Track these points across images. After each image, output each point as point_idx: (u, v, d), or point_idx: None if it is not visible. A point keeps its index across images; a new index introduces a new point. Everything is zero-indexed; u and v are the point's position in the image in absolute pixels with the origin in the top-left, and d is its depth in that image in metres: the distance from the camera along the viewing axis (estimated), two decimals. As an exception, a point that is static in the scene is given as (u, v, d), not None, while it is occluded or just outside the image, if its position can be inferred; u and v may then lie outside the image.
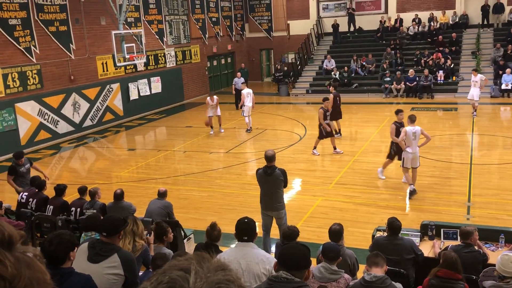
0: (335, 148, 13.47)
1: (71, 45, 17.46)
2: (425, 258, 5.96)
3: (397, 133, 10.13)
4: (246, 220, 4.40)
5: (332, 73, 23.82)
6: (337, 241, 5.53)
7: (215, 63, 27.18)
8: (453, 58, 22.72)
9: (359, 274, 5.32)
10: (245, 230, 4.31)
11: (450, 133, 15.29)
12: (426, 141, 10.09)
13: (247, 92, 16.49)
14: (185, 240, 7.34)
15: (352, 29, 26.82)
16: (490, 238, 6.36)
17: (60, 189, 8.21)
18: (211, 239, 5.35)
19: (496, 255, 5.05)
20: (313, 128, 16.73)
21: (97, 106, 18.67)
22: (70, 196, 8.76)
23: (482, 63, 22.17)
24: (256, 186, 7.76)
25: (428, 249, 6.27)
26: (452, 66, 22.21)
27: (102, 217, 6.21)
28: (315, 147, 13.55)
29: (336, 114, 14.82)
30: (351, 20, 26.59)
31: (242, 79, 20.25)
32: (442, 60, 22.34)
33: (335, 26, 26.42)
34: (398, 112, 10.64)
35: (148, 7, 21.27)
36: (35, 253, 1.26)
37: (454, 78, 22.01)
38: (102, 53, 18.78)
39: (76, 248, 3.83)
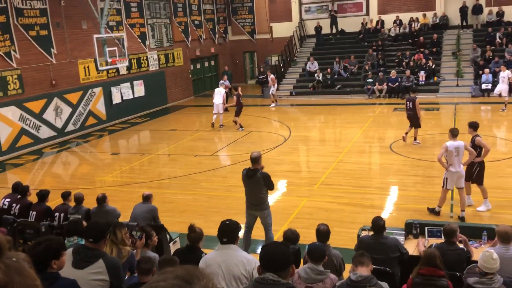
0: (415, 139, 13.99)
1: (52, 50, 17.27)
2: (410, 256, 6.01)
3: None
4: (227, 222, 4.41)
5: (316, 75, 23.96)
6: (324, 242, 5.56)
7: (198, 66, 27.13)
8: (434, 58, 23.01)
9: (345, 274, 5.35)
10: (225, 232, 4.32)
11: (432, 133, 15.46)
12: (470, 158, 8.83)
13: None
14: (170, 244, 7.31)
15: (334, 31, 27.01)
16: (473, 235, 6.44)
17: (43, 195, 8.11)
18: (190, 242, 5.41)
19: (479, 252, 5.12)
20: (297, 130, 16.83)
21: (80, 110, 18.49)
22: (54, 201, 8.66)
23: (463, 63, 22.50)
24: (241, 188, 7.79)
25: (412, 247, 6.33)
26: (433, 67, 22.50)
27: (86, 222, 6.16)
28: (415, 138, 13.93)
29: (239, 110, 17.37)
30: (333, 22, 26.78)
31: (227, 82, 20.70)
32: (423, 60, 22.62)
33: (318, 29, 26.60)
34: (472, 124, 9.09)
35: (130, 11, 21.14)
36: (25, 259, 1.25)
37: (435, 78, 22.29)
38: (84, 57, 18.61)
39: (62, 257, 3.77)
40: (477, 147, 8.86)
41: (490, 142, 13.82)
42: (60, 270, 3.72)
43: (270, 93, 22.48)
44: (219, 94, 17.83)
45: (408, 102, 13.82)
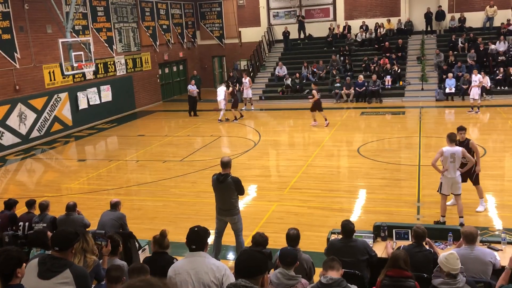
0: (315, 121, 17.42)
1: (15, 54, 16.83)
2: (378, 259, 6.10)
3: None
4: (195, 229, 4.33)
5: (284, 79, 24.11)
6: (294, 246, 5.59)
7: (167, 70, 26.94)
8: (399, 63, 23.51)
9: (316, 278, 5.38)
10: (193, 239, 4.26)
11: (398, 136, 15.76)
12: (468, 166, 8.58)
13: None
14: (139, 251, 7.21)
15: (302, 36, 27.28)
16: (439, 236, 6.59)
17: (10, 204, 7.94)
18: (163, 248, 5.41)
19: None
20: (267, 134, 16.90)
21: (45, 116, 18.07)
22: (18, 210, 8.42)
23: (427, 68, 23.06)
24: (211, 194, 7.76)
25: (381, 250, 6.42)
26: (398, 71, 22.98)
27: (51, 231, 6.01)
28: (315, 120, 17.59)
29: (235, 102, 19.69)
30: (301, 27, 27.05)
31: (194, 87, 20.81)
32: (389, 65, 23.07)
33: (286, 34, 26.81)
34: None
35: (96, 15, 20.83)
36: None
37: (401, 83, 22.76)
38: (49, 61, 18.22)
39: (24, 264, 3.69)
40: (471, 150, 8.88)
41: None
42: (21, 279, 3.65)
43: (245, 96, 22.37)
44: (221, 91, 19.60)
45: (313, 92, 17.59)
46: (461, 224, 8.48)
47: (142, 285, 1.21)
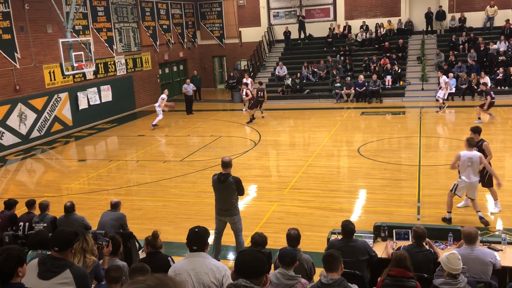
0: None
1: (15, 54, 16.83)
2: (379, 259, 6.10)
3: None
4: (196, 230, 4.31)
5: (284, 79, 24.10)
6: (295, 246, 5.58)
7: (167, 70, 26.93)
8: (399, 63, 23.51)
9: (316, 278, 5.38)
10: (194, 240, 4.25)
11: (398, 136, 15.76)
12: (491, 172, 8.64)
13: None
14: (139, 252, 7.21)
15: (302, 36, 27.28)
16: (439, 237, 6.59)
17: (10, 204, 7.94)
18: (155, 248, 5.49)
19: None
20: (267, 134, 16.91)
21: (45, 116, 18.07)
22: (18, 210, 8.42)
23: (427, 68, 23.06)
24: (211, 194, 7.75)
25: (381, 250, 6.42)
26: (399, 71, 22.97)
27: (51, 232, 6.01)
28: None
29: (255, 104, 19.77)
30: (301, 27, 27.05)
31: (191, 86, 20.90)
32: (389, 65, 23.07)
33: (287, 33, 26.81)
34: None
35: (97, 15, 20.83)
36: None
37: (401, 82, 22.76)
38: (49, 61, 18.22)
39: (25, 264, 3.69)
40: (483, 151, 8.79)
41: (455, 145, 14.20)
42: (23, 278, 3.65)
43: (244, 96, 22.19)
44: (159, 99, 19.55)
45: (259, 92, 19.37)
46: (481, 218, 8.55)
47: (154, 282, 1.20)
